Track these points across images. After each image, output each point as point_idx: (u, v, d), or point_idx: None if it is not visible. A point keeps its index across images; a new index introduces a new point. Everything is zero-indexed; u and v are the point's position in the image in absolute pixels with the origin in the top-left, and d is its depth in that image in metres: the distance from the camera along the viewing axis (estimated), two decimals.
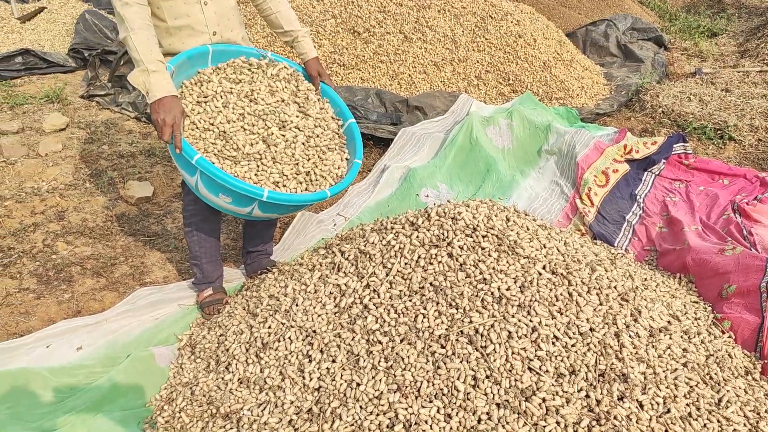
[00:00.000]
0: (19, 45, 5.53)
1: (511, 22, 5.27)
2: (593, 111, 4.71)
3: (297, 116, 2.32)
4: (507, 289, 1.93)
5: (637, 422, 1.63)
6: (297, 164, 2.23)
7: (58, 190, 3.58)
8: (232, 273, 2.97)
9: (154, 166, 3.90)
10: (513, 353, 1.77)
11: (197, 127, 2.16)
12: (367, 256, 2.17)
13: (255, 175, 2.16)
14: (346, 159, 2.43)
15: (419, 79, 4.78)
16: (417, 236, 2.13)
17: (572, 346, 1.80)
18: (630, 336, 1.87)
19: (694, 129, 4.44)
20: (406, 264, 2.06)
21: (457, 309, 1.90)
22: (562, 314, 1.88)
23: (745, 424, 1.71)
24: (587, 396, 1.69)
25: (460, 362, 1.76)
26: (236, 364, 2.07)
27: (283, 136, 2.25)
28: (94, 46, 5.55)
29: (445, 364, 1.77)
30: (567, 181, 3.70)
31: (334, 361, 1.89)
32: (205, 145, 2.13)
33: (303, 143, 2.27)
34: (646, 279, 2.37)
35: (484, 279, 1.96)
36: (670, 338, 1.93)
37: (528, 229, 2.23)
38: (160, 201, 3.57)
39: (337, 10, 5.10)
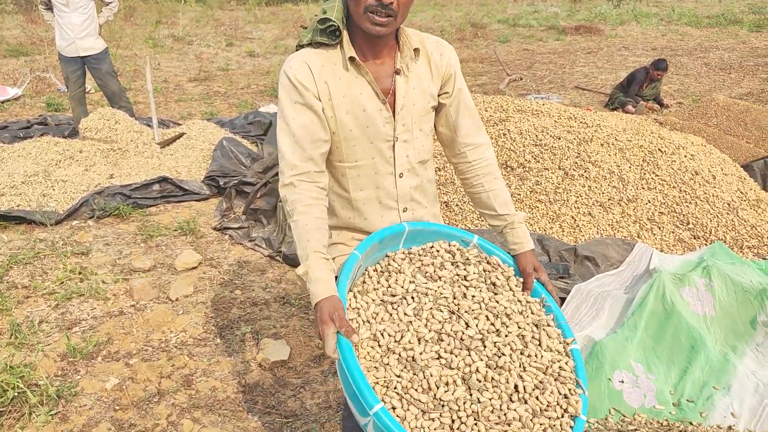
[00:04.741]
0: (157, 171, 5.51)
1: (685, 156, 4.62)
2: None
3: (515, 350, 1.58)
4: None
5: None
6: (508, 428, 1.45)
7: (186, 347, 3.18)
8: None
9: (290, 319, 3.45)
10: None
11: (379, 345, 1.51)
12: None
13: None
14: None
15: (584, 221, 4.17)
16: None
17: None
18: None
19: None
20: None
21: None
22: None
23: None
24: None
25: None
26: None
27: (493, 380, 1.51)
28: (230, 173, 5.42)
29: None
30: None
31: None
32: (387, 375, 1.46)
33: (520, 398, 1.51)
34: None
35: None
36: None
37: None
38: (296, 365, 3.07)
39: None
